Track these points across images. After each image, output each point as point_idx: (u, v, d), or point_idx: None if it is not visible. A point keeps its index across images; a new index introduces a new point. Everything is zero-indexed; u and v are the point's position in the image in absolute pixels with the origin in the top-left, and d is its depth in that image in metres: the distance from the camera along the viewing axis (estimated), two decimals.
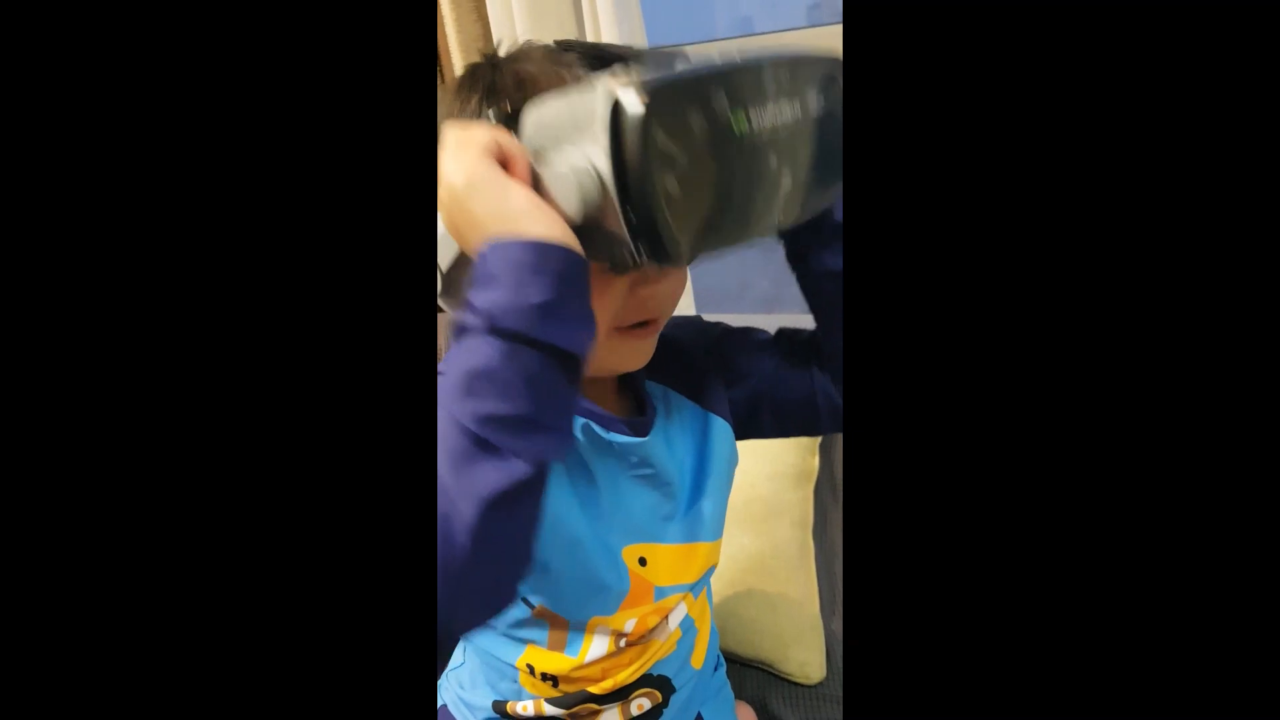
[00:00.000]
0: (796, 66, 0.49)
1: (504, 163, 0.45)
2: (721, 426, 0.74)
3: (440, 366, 0.43)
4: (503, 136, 0.46)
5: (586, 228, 0.45)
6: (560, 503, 0.67)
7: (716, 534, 0.76)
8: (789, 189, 0.49)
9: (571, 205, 0.44)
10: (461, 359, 0.41)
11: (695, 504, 0.72)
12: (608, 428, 0.69)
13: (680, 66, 0.45)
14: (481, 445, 0.40)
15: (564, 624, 0.70)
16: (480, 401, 0.40)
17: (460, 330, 0.43)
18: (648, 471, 0.70)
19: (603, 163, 0.43)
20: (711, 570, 0.77)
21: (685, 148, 0.43)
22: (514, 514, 0.41)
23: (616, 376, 0.72)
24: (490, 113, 0.55)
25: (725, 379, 0.75)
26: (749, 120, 0.45)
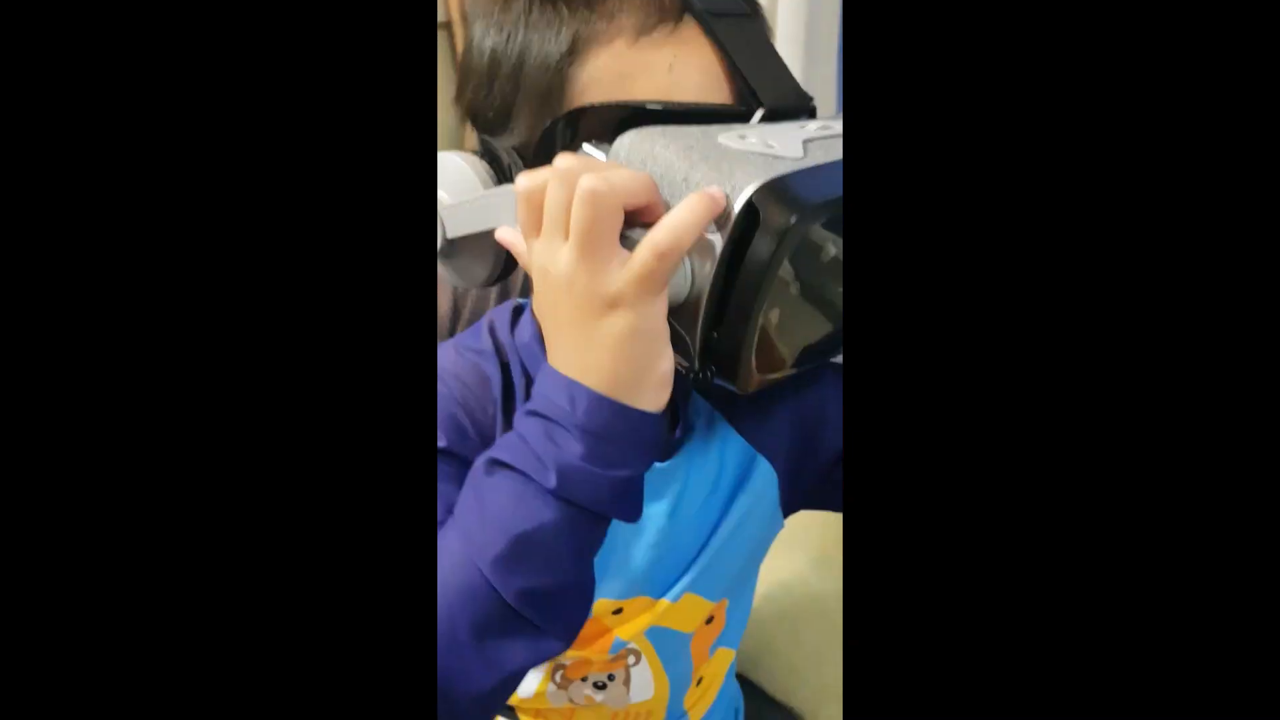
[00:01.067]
0: None
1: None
2: (765, 474, 0.59)
3: (464, 499, 0.40)
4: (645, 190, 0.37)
5: None
6: None
7: (720, 594, 0.61)
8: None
9: None
10: (506, 511, 0.38)
11: (705, 554, 0.58)
12: None
13: (830, 166, 0.39)
14: (516, 619, 0.38)
15: None
16: (526, 574, 0.38)
17: (499, 463, 0.39)
18: (657, 508, 0.56)
19: (707, 265, 0.37)
20: (722, 648, 0.64)
21: (806, 278, 0.38)
22: (518, 684, 0.41)
23: None
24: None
25: (801, 428, 0.59)
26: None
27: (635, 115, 0.41)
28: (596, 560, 0.56)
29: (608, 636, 0.58)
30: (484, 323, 0.57)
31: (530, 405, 0.39)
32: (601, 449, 0.37)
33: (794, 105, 0.43)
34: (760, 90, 0.43)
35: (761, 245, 0.36)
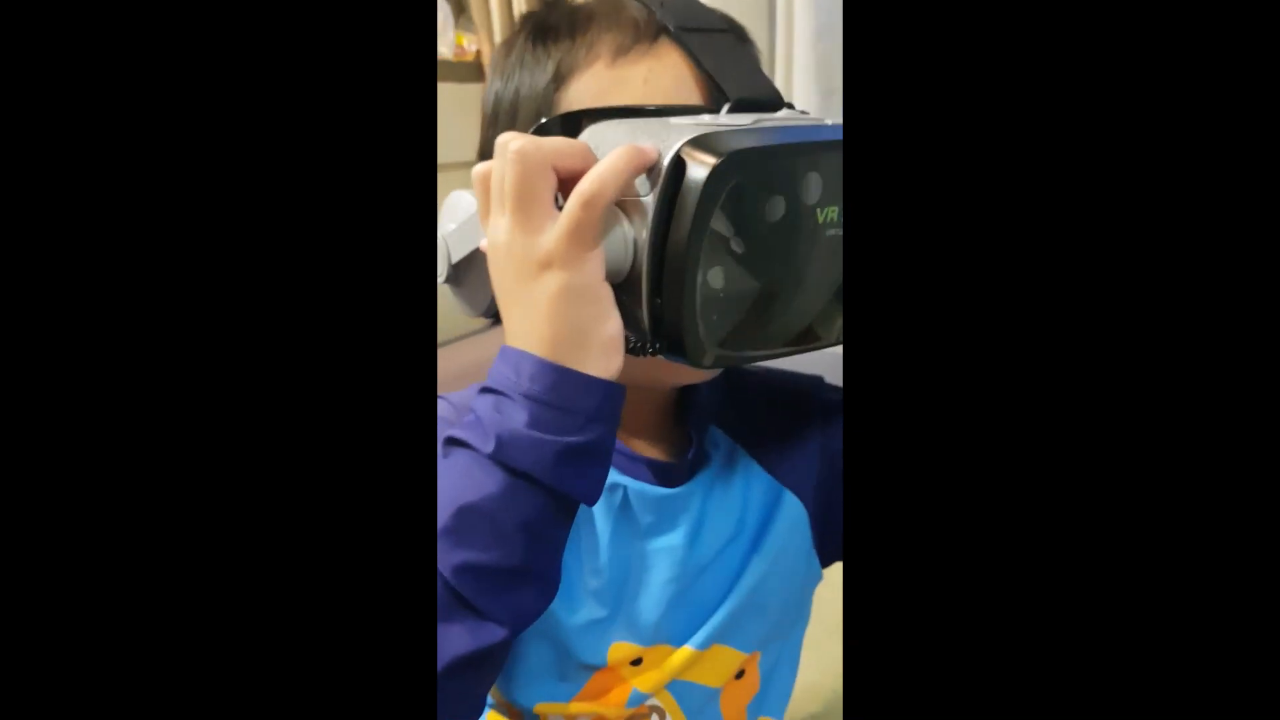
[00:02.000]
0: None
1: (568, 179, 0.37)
2: (795, 511, 0.55)
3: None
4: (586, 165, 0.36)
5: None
6: None
7: (752, 646, 0.56)
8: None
9: None
10: (454, 485, 0.36)
11: (732, 599, 0.54)
12: (625, 470, 0.53)
13: (776, 128, 0.38)
14: (455, 599, 0.36)
15: (515, 713, 0.55)
16: (465, 548, 0.36)
17: (454, 441, 0.38)
18: (670, 540, 0.52)
19: (641, 230, 0.36)
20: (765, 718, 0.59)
21: (749, 236, 0.36)
22: (477, 678, 0.39)
23: (665, 400, 0.55)
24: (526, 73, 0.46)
25: (831, 461, 0.56)
26: (839, 213, 0.37)
27: (599, 114, 0.42)
28: (611, 596, 0.53)
29: (624, 688, 0.53)
30: None
31: (484, 383, 0.38)
32: (545, 415, 0.36)
33: (764, 98, 0.43)
34: (726, 86, 0.42)
35: (687, 194, 0.34)
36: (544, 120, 0.43)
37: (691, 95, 0.44)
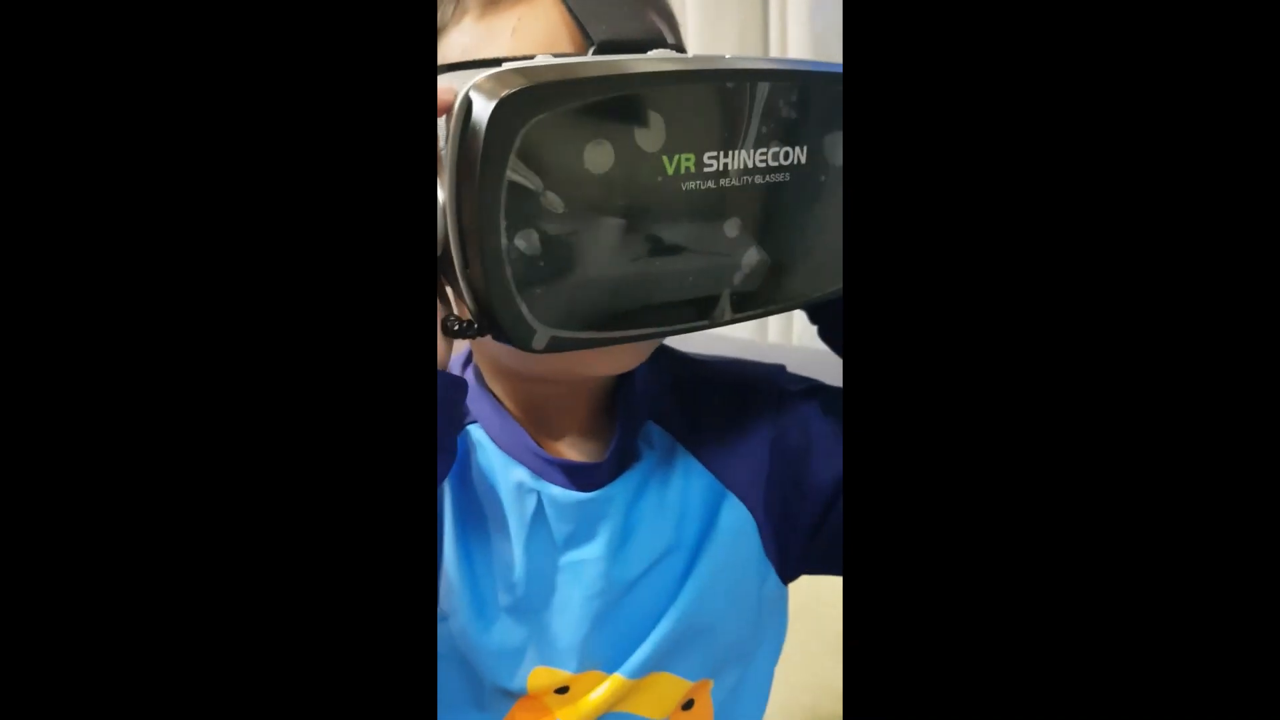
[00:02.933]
0: (821, 87, 0.34)
1: None
2: (738, 516, 0.48)
3: None
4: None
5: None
6: (452, 563, 0.46)
7: (700, 672, 0.50)
8: (754, 267, 0.35)
9: None
10: None
11: (670, 618, 0.47)
12: (540, 473, 0.47)
13: (610, 61, 0.33)
14: None
15: None
16: None
17: None
18: (588, 552, 0.46)
19: (442, 193, 0.31)
20: None
21: (568, 192, 0.30)
22: None
23: (594, 395, 0.49)
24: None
25: (781, 457, 0.49)
26: (702, 162, 0.31)
27: (440, 70, 0.36)
28: (526, 614, 0.47)
29: (545, 715, 0.47)
30: None
31: None
32: None
33: (636, 39, 0.36)
34: (591, 28, 0.36)
35: (472, 138, 0.29)
36: None
37: (563, 45, 0.38)
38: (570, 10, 0.37)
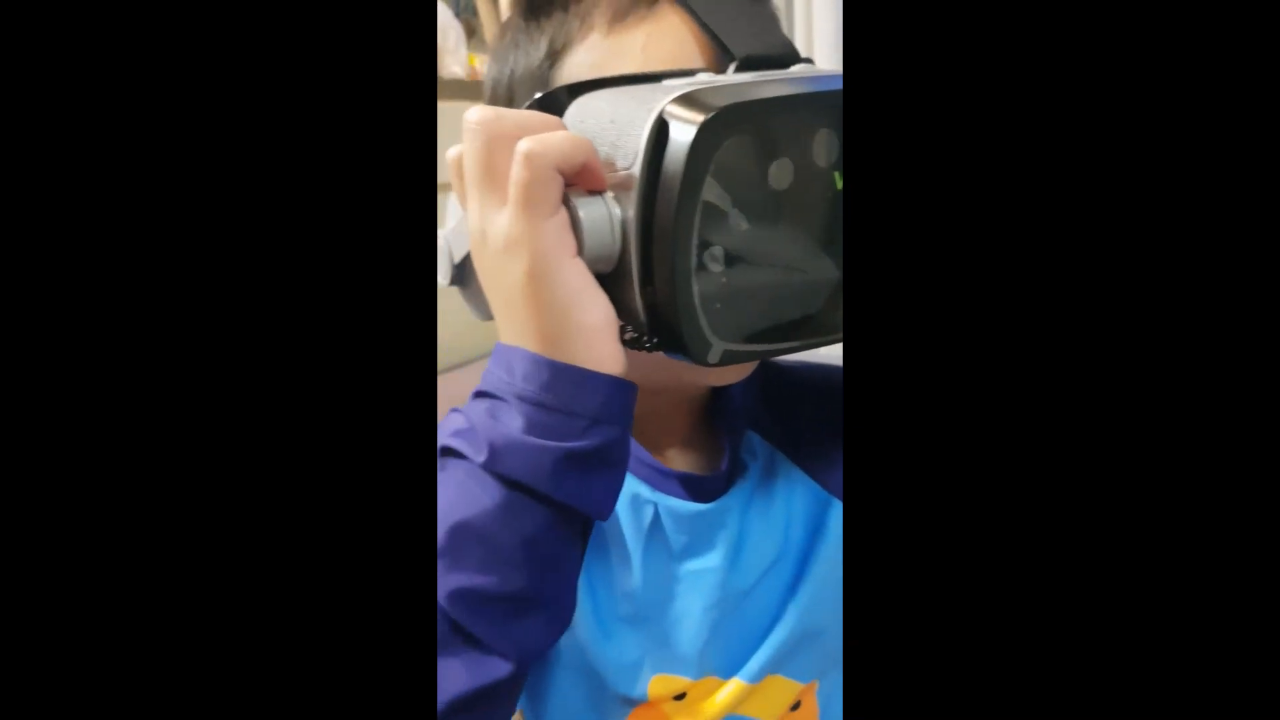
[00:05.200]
0: None
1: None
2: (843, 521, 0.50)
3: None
4: (575, 148, 0.32)
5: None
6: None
7: (810, 674, 0.51)
8: None
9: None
10: (446, 497, 0.32)
11: (784, 623, 0.49)
12: (656, 485, 0.48)
13: (780, 80, 0.34)
14: (453, 629, 0.32)
15: None
16: (461, 570, 0.32)
17: (448, 451, 0.33)
18: (707, 562, 0.47)
19: (628, 209, 0.32)
20: None
21: (753, 209, 0.31)
22: (487, 716, 0.34)
23: (696, 405, 0.50)
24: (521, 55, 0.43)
25: None
26: None
27: (585, 87, 0.37)
28: (647, 624, 0.48)
29: None
30: None
31: (478, 386, 0.34)
32: (543, 418, 0.31)
33: (777, 55, 0.38)
34: (731, 43, 0.38)
35: (672, 160, 0.30)
36: (537, 98, 0.39)
37: (695, 60, 0.39)
38: (705, 26, 0.38)
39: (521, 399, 0.32)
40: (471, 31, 1.66)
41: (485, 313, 0.44)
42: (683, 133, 0.29)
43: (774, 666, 0.49)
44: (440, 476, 0.33)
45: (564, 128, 0.34)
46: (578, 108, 0.36)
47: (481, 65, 1.61)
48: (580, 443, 0.32)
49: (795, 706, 0.52)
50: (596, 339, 0.32)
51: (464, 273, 0.44)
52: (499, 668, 0.32)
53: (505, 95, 0.44)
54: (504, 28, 0.46)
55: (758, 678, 0.49)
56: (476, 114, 0.32)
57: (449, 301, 0.44)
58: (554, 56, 0.41)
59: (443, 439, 0.34)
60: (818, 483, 0.50)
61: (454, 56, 1.53)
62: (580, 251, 0.32)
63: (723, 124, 0.29)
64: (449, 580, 0.31)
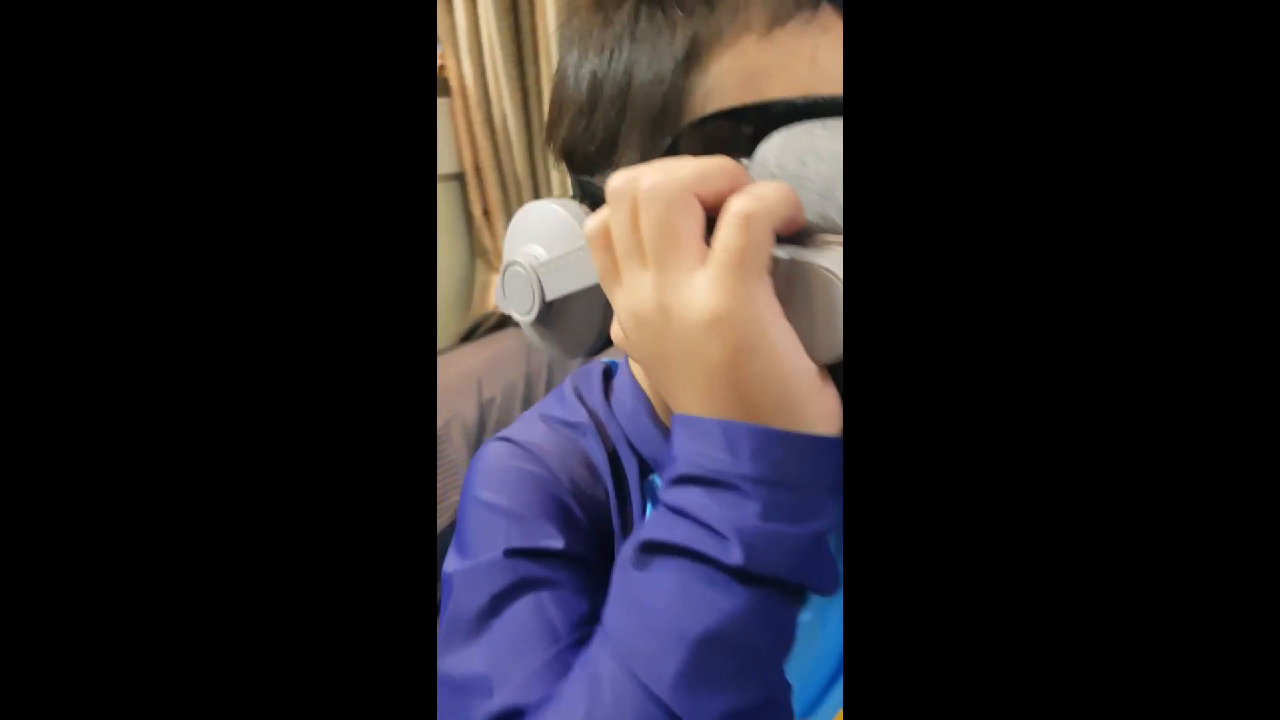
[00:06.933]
0: None
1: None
2: None
3: (612, 606, 0.31)
4: (794, 210, 0.29)
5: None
6: None
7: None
8: None
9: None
10: (676, 608, 0.28)
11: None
12: None
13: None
14: None
15: None
16: (723, 691, 0.28)
17: (659, 549, 0.29)
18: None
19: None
20: None
21: None
22: None
23: None
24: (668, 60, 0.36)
25: None
26: None
27: (780, 114, 0.32)
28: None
29: None
30: (568, 389, 0.48)
31: (677, 470, 0.30)
32: (782, 499, 0.28)
33: None
34: None
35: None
36: (691, 123, 0.34)
37: None
38: None
39: (754, 480, 0.28)
40: None
41: (568, 353, 0.40)
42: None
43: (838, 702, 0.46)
44: (644, 578, 0.29)
45: (746, 174, 0.29)
46: (792, 139, 0.31)
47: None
48: (823, 522, 0.28)
49: None
50: (816, 393, 0.29)
51: (552, 313, 0.39)
52: None
53: (614, 99, 0.37)
54: (601, 14, 0.38)
55: (829, 716, 0.45)
56: (647, 180, 0.28)
57: None
58: (693, 59, 0.35)
59: (655, 534, 0.29)
60: None
61: None
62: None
63: None
64: (708, 704, 0.27)
